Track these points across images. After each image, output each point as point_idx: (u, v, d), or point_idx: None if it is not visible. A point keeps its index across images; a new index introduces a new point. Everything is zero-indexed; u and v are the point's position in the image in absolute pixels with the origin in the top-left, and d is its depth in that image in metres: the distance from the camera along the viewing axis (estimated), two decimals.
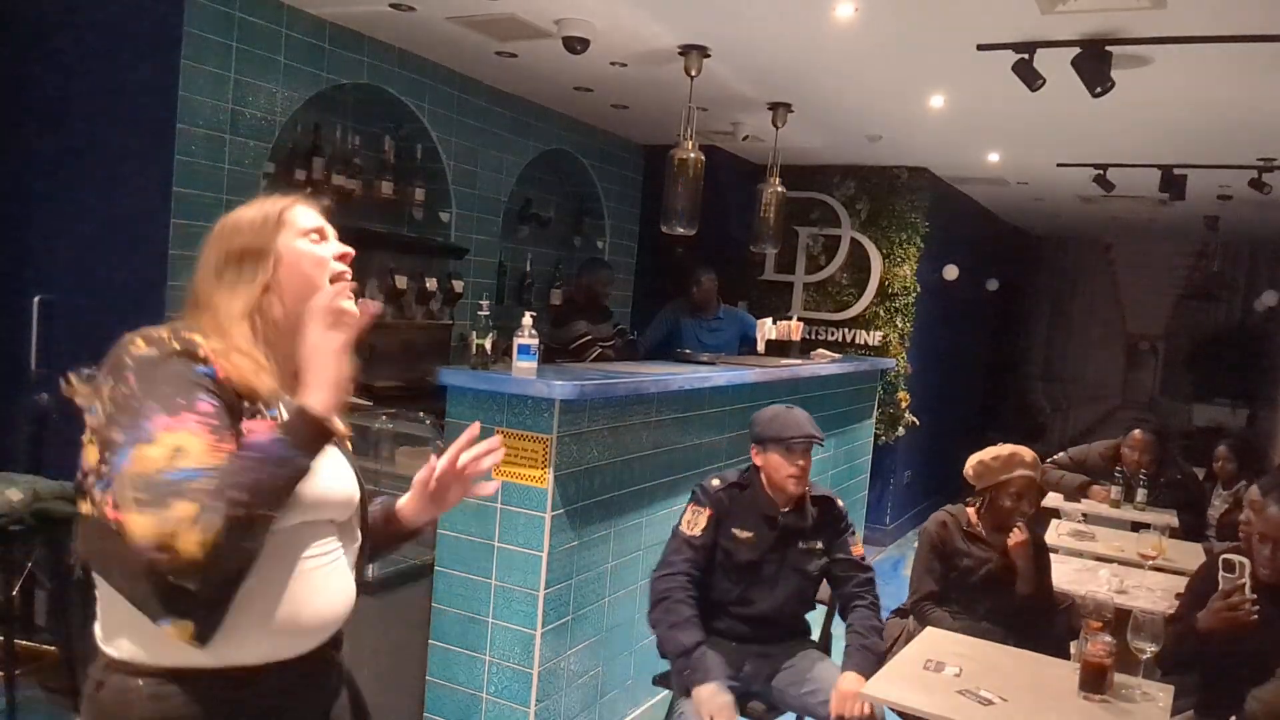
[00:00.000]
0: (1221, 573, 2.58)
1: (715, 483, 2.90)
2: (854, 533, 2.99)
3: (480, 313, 3.35)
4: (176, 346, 1.27)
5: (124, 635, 1.29)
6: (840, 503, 3.01)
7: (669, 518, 3.61)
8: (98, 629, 1.33)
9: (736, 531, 2.85)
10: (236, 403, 1.29)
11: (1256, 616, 2.49)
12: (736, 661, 2.83)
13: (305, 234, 1.44)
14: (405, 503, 1.65)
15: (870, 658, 2.72)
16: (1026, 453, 3.25)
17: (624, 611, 3.42)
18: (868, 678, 2.57)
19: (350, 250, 1.48)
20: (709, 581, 2.83)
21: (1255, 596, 2.51)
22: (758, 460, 2.90)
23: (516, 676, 2.98)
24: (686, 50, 4.05)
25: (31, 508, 3.02)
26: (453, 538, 3.07)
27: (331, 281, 1.43)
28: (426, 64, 4.58)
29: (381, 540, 1.64)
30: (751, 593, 2.85)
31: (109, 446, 1.21)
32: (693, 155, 4.30)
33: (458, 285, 4.79)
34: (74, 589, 3.26)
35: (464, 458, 1.59)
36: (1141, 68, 3.73)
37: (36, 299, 3.71)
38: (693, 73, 4.12)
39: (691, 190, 4.32)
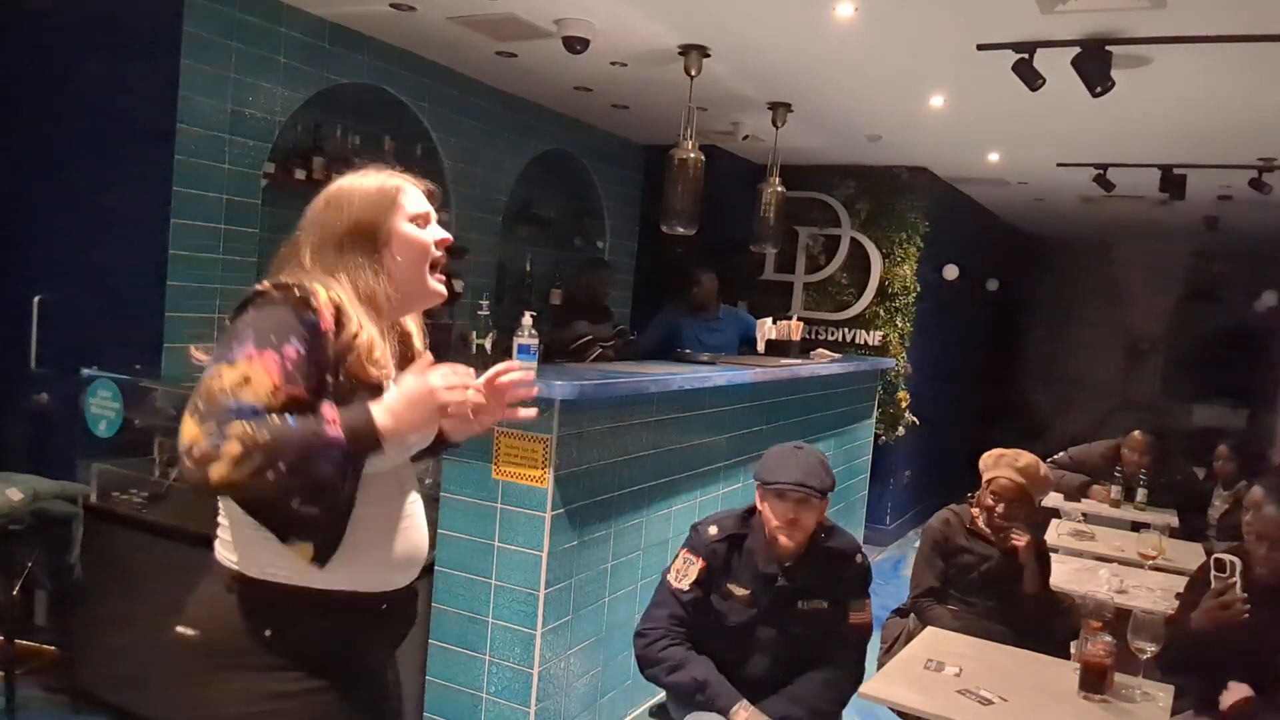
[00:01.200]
0: (1213, 572, 2.58)
1: (713, 531, 2.57)
2: (867, 595, 2.62)
3: (480, 313, 3.35)
4: (296, 294, 1.40)
5: (254, 559, 1.45)
6: (859, 559, 2.62)
7: (669, 518, 3.61)
8: (225, 551, 1.49)
9: (731, 587, 2.53)
10: (328, 355, 1.41)
11: (1247, 615, 2.49)
12: None
13: (413, 219, 1.56)
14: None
15: None
16: (1023, 458, 3.24)
17: (624, 611, 3.42)
18: None
19: (449, 237, 1.62)
20: (697, 638, 2.52)
21: (1246, 595, 2.51)
22: (759, 504, 2.56)
23: (516, 676, 2.98)
24: (686, 50, 4.05)
25: (31, 507, 3.02)
26: (453, 537, 3.06)
27: (432, 267, 1.56)
28: (426, 64, 4.58)
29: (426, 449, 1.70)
30: (743, 653, 2.53)
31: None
32: (693, 155, 4.30)
33: (457, 285, 4.79)
34: (74, 589, 3.26)
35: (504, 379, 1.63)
36: (1141, 68, 3.73)
37: (36, 299, 3.71)
38: (693, 73, 4.12)
39: (691, 190, 4.32)
